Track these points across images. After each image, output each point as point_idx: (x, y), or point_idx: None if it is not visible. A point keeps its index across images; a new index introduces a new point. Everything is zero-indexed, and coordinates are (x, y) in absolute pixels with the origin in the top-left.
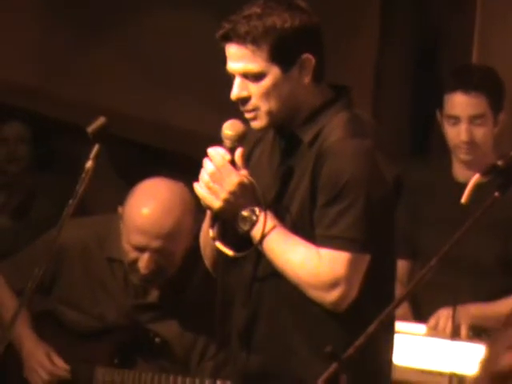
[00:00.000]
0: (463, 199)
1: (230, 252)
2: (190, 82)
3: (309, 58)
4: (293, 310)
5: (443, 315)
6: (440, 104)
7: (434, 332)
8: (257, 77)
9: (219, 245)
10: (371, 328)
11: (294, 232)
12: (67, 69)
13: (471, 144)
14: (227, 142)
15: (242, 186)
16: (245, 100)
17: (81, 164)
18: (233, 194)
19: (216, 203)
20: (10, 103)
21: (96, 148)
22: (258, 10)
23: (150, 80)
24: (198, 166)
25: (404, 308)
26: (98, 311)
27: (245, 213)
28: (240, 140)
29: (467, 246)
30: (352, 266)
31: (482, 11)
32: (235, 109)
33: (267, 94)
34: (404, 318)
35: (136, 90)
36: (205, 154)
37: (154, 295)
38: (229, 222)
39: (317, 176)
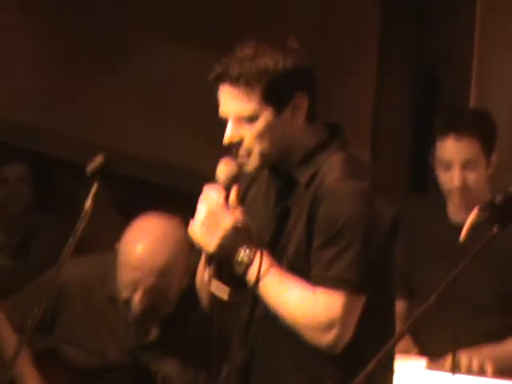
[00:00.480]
0: (461, 237)
1: (225, 297)
2: (189, 119)
3: (302, 99)
4: (290, 350)
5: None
6: (432, 148)
7: (436, 366)
8: (250, 119)
9: (214, 288)
10: (370, 366)
11: (290, 272)
12: (66, 107)
13: (464, 189)
14: (222, 181)
15: (235, 229)
16: (238, 144)
17: (81, 202)
18: (226, 238)
19: (210, 247)
20: (10, 142)
21: (95, 186)
22: (251, 52)
23: (149, 117)
24: (196, 203)
25: (407, 342)
26: (99, 349)
27: (239, 256)
28: (235, 179)
29: (466, 283)
30: (347, 307)
31: (479, 45)
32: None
33: (260, 136)
34: (407, 352)
35: (136, 127)
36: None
37: (155, 333)
38: (224, 262)
39: (313, 217)
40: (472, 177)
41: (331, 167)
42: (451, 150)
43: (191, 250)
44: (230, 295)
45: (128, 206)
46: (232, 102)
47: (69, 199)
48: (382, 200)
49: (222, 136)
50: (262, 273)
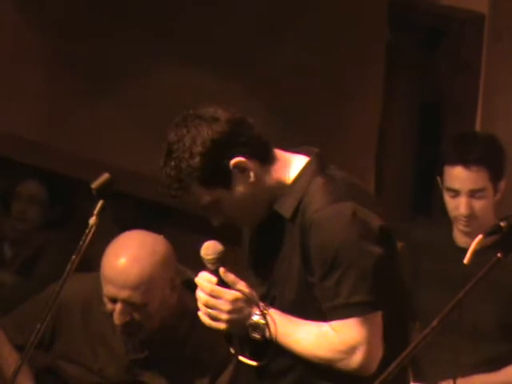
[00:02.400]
0: (466, 260)
1: (253, 363)
2: None
3: (238, 161)
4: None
5: None
6: (440, 172)
7: None
8: (214, 204)
9: (244, 359)
10: None
11: (296, 309)
12: (74, 126)
13: (470, 217)
14: (210, 266)
15: (237, 301)
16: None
17: (86, 220)
18: (232, 312)
19: (221, 326)
20: (24, 161)
21: (100, 204)
22: (163, 162)
23: (154, 136)
24: (197, 221)
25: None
26: (97, 366)
27: (252, 322)
28: (222, 259)
29: (468, 308)
30: (365, 328)
31: (486, 75)
32: None
33: (231, 211)
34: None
35: (141, 146)
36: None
37: (151, 350)
38: (243, 334)
39: (306, 250)
40: (479, 205)
41: (312, 195)
42: (459, 178)
43: (173, 266)
44: (258, 363)
45: (131, 225)
46: (195, 201)
47: (77, 217)
48: (366, 212)
49: None
50: (273, 330)
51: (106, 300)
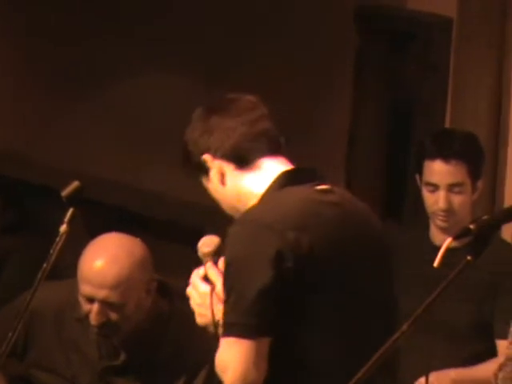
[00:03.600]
0: (436, 263)
1: None
2: (165, 147)
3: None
4: None
5: (436, 381)
6: (418, 168)
7: None
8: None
9: None
10: None
11: None
12: (42, 133)
13: (449, 211)
14: (207, 259)
15: (205, 297)
16: None
17: (54, 227)
18: (200, 306)
19: (196, 318)
20: None
21: (70, 212)
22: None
23: (125, 144)
24: (172, 229)
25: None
26: (71, 373)
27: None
28: (218, 253)
29: (441, 309)
30: (233, 350)
31: (454, 78)
32: None
33: (216, 196)
34: None
35: (111, 153)
36: (178, 217)
37: (125, 356)
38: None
39: None
40: (457, 200)
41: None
42: (439, 172)
43: (150, 269)
44: None
45: (103, 233)
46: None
47: (41, 224)
48: (269, 233)
49: None
50: None
51: (82, 301)
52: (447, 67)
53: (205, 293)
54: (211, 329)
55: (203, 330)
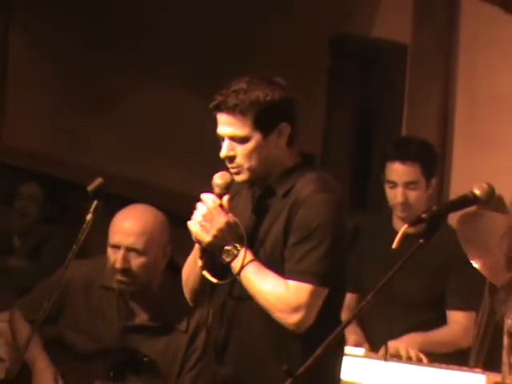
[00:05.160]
0: (394, 245)
1: (214, 280)
2: (170, 149)
3: (285, 126)
4: (261, 329)
5: (400, 343)
6: (382, 169)
7: (371, 354)
8: (242, 140)
9: (205, 273)
10: (319, 350)
11: (266, 266)
12: (73, 138)
13: (405, 204)
14: (217, 189)
15: (228, 224)
16: (231, 158)
17: (82, 216)
18: (221, 231)
19: (206, 238)
20: (28, 167)
21: (95, 203)
22: (245, 86)
23: (141, 148)
24: (175, 219)
25: (359, 336)
26: (96, 333)
27: (228, 247)
28: (227, 188)
29: (401, 283)
30: (313, 296)
31: (409, 94)
32: (208, 174)
33: (250, 155)
34: (359, 345)
35: (129, 155)
36: (183, 208)
37: (140, 318)
38: (214, 254)
39: (290, 221)
40: (412, 195)
41: (306, 182)
42: (397, 172)
43: (168, 236)
44: (217, 281)
45: None
46: (228, 126)
47: (73, 214)
48: (346, 212)
49: (197, 163)
50: (245, 263)
51: (110, 252)
52: (403, 85)
53: (229, 221)
54: (202, 244)
55: None
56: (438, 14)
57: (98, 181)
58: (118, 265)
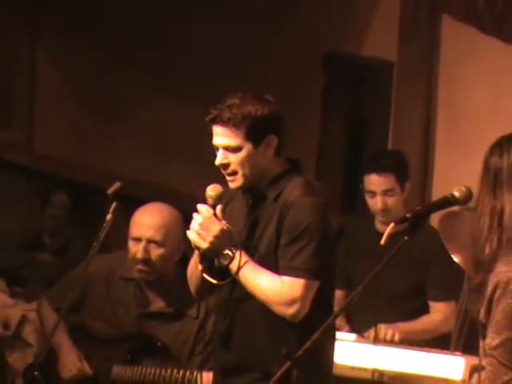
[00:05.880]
0: (382, 242)
1: (214, 281)
2: (182, 155)
3: (273, 138)
4: (260, 322)
5: (381, 329)
6: (362, 181)
7: (362, 339)
8: (235, 150)
9: (206, 276)
10: (315, 336)
11: (261, 265)
12: (94, 146)
13: (385, 210)
14: (210, 200)
15: (222, 231)
16: (226, 166)
17: (102, 218)
18: (216, 237)
19: (204, 245)
20: (56, 174)
21: (114, 205)
22: (238, 101)
23: (155, 154)
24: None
25: (341, 322)
26: (115, 320)
27: (225, 251)
28: (219, 198)
29: (387, 276)
30: (306, 289)
31: (395, 107)
32: (217, 177)
33: (242, 163)
34: (341, 329)
35: (145, 161)
36: (191, 208)
37: (155, 305)
38: (213, 258)
39: (281, 223)
40: (390, 201)
41: (294, 187)
42: (374, 182)
43: (182, 233)
44: (217, 282)
45: None
46: (223, 137)
47: (98, 220)
48: (331, 212)
49: (207, 167)
50: (241, 264)
51: (131, 245)
52: (390, 98)
53: (223, 229)
54: (201, 250)
55: None
56: (421, 35)
57: (117, 184)
58: (140, 255)
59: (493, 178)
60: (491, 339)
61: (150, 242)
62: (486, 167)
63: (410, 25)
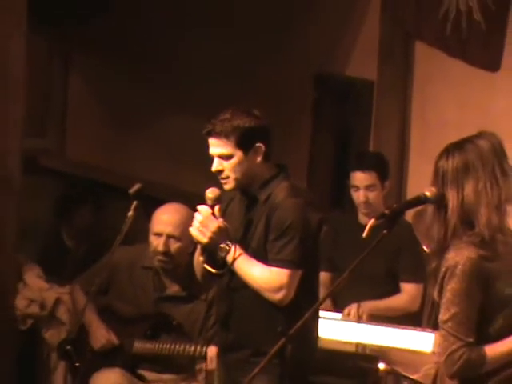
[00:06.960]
0: (364, 234)
1: (213, 270)
2: (193, 160)
3: (260, 146)
4: (253, 307)
5: (353, 308)
6: (348, 177)
7: (346, 317)
8: (228, 157)
9: (207, 266)
10: (306, 316)
11: (254, 258)
12: (118, 153)
13: (367, 203)
14: (209, 201)
15: (219, 228)
16: (220, 171)
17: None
18: (214, 233)
19: (204, 240)
20: (85, 176)
21: (135, 203)
22: (228, 116)
23: (172, 160)
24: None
25: (327, 303)
26: (137, 303)
27: (222, 245)
28: (217, 200)
29: (367, 263)
30: (291, 277)
31: (375, 120)
32: (218, 180)
33: (234, 168)
34: (326, 309)
35: (163, 166)
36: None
37: (170, 289)
38: (213, 251)
39: (269, 221)
40: (372, 195)
41: (280, 190)
42: (358, 178)
43: None
44: (216, 272)
45: None
46: (217, 147)
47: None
48: (311, 210)
49: (214, 172)
50: (236, 256)
51: (153, 239)
52: (371, 112)
53: (220, 226)
54: (201, 244)
55: None
56: (397, 58)
57: (137, 186)
58: (161, 248)
59: (441, 178)
60: (442, 314)
61: (169, 237)
62: (436, 169)
63: (387, 49)
